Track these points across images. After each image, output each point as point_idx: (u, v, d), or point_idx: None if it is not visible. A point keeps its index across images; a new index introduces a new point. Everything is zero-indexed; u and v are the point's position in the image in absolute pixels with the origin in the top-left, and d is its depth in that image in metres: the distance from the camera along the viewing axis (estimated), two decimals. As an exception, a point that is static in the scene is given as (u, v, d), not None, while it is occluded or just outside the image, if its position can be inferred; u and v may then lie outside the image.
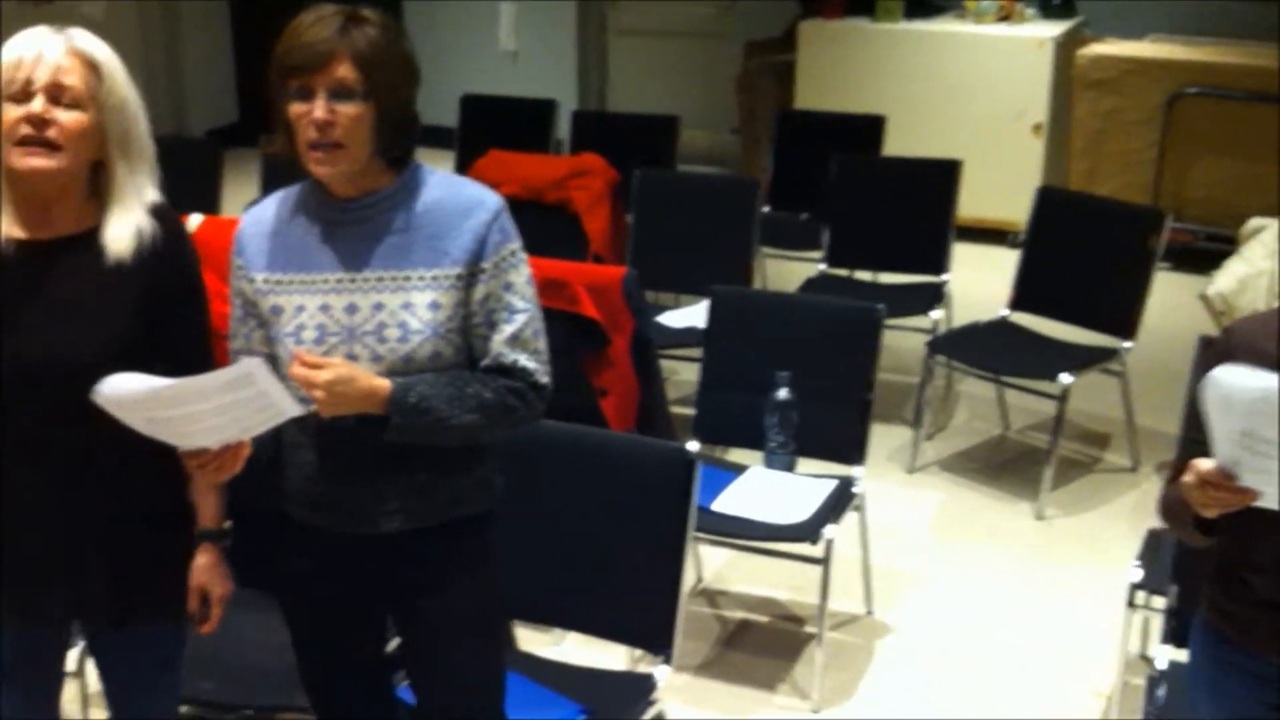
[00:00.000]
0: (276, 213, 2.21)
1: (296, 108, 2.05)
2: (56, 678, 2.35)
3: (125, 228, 2.13)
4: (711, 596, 3.86)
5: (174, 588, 2.26)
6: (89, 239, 2.13)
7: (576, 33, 8.67)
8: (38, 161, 2.05)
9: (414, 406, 2.07)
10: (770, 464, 3.64)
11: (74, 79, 2.05)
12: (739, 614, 3.80)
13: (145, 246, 2.15)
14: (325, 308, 2.13)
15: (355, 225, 2.15)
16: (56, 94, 2.05)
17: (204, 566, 2.27)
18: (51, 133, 2.04)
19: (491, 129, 6.04)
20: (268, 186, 5.59)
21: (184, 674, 2.64)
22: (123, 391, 1.93)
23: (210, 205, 5.28)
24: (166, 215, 2.21)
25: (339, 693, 2.38)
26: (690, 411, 3.84)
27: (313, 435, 2.16)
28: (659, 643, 2.69)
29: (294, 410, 1.98)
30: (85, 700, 2.95)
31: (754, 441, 3.68)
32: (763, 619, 3.78)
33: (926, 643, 3.66)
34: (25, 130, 2.03)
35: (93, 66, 2.07)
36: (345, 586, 2.25)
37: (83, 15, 7.98)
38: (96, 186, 2.13)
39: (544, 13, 8.61)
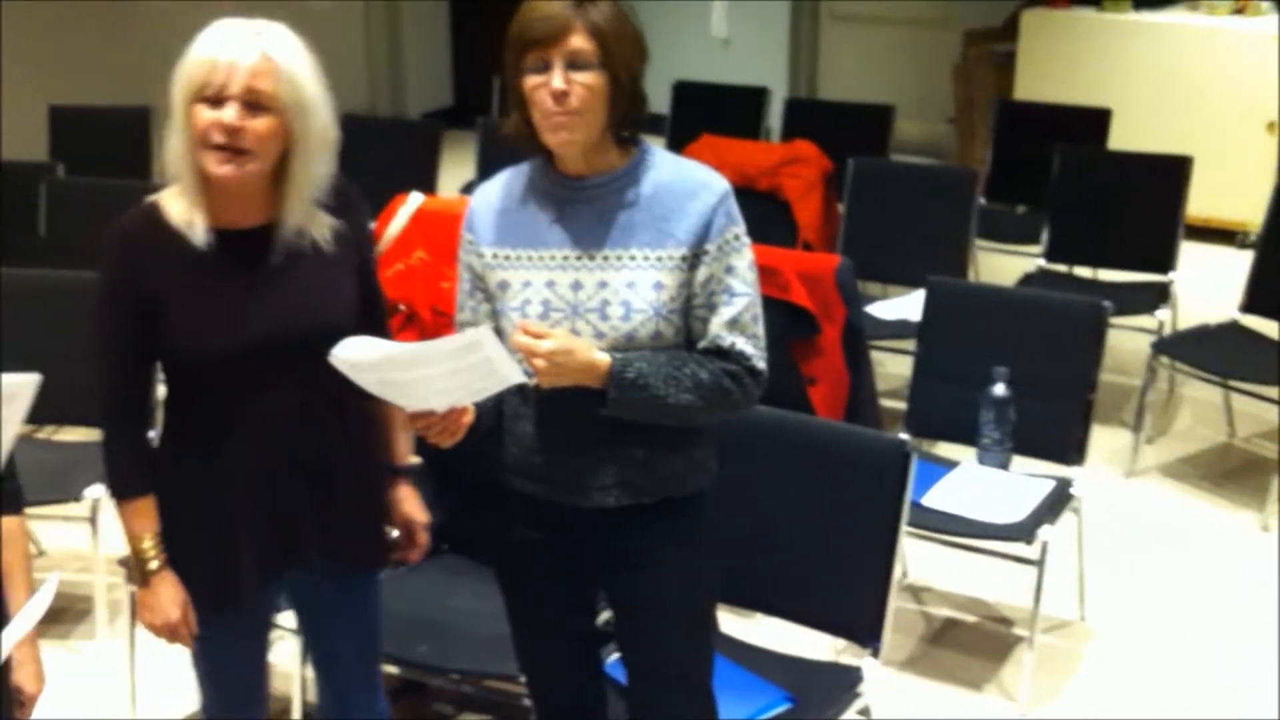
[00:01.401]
0: (507, 190, 2.24)
1: (533, 80, 2.07)
2: (265, 656, 2.44)
3: (302, 218, 2.20)
4: (916, 592, 3.79)
5: (379, 539, 2.37)
6: (274, 228, 2.20)
7: (789, 19, 8.61)
8: (230, 169, 2.10)
9: (632, 382, 2.08)
10: (984, 460, 3.55)
11: (266, 83, 2.08)
12: (945, 611, 3.72)
13: (328, 226, 2.23)
14: (551, 284, 2.15)
15: (584, 204, 2.16)
16: (249, 100, 2.07)
17: (406, 498, 2.38)
18: (243, 140, 2.08)
19: (703, 115, 6.05)
20: (483, 167, 5.72)
21: (399, 636, 2.73)
22: (358, 354, 1.99)
23: (428, 184, 5.40)
24: (344, 190, 2.28)
25: (549, 664, 2.40)
26: (896, 404, 3.77)
27: (533, 406, 2.19)
28: (867, 635, 2.65)
29: (517, 377, 2.00)
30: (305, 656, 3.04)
31: (967, 437, 3.60)
32: (970, 618, 3.70)
33: (1140, 652, 3.53)
34: (218, 138, 2.07)
35: (282, 70, 2.09)
36: (560, 559, 2.27)
37: (311, 2, 8.25)
38: (278, 178, 2.18)
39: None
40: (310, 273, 2.21)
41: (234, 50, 2.07)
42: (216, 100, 2.06)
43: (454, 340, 1.94)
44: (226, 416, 2.19)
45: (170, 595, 2.21)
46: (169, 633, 2.22)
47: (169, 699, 3.27)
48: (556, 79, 2.05)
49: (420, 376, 1.98)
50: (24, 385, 1.85)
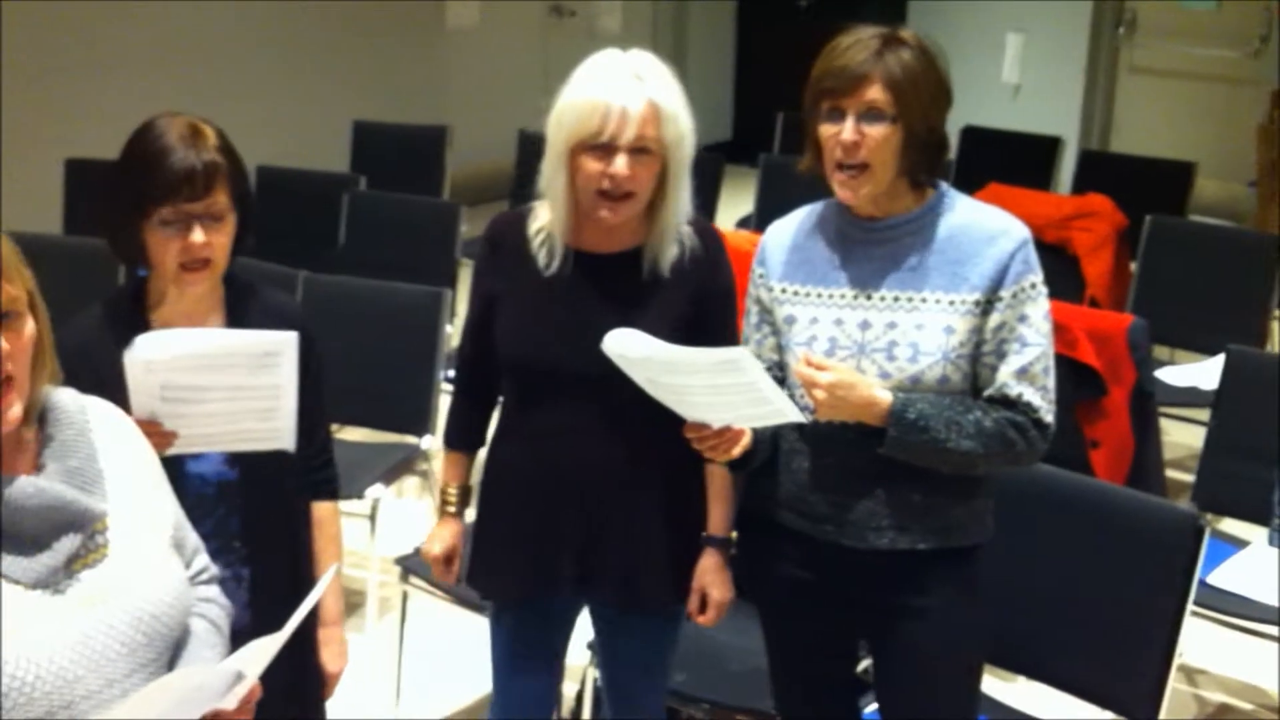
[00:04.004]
0: (801, 227, 2.25)
1: (826, 129, 2.09)
2: (558, 659, 2.49)
3: (668, 246, 2.24)
4: (1190, 673, 3.60)
5: (679, 582, 2.34)
6: (637, 255, 2.25)
7: (1085, 69, 8.36)
8: (615, 214, 2.17)
9: (912, 423, 2.04)
10: (1275, 542, 3.34)
11: (652, 130, 2.12)
12: (1220, 696, 3.52)
13: (685, 259, 2.25)
14: (839, 322, 2.13)
15: (877, 245, 2.15)
16: (637, 147, 2.12)
17: (708, 569, 2.34)
18: (624, 185, 2.14)
19: (990, 162, 5.90)
20: (763, 203, 5.72)
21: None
22: (624, 346, 2.02)
23: (706, 217, 5.42)
24: (701, 224, 2.31)
25: (807, 707, 2.38)
26: (1179, 475, 3.58)
27: (809, 441, 2.17)
28: (1142, 713, 2.52)
29: (793, 413, 1.99)
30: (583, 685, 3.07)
31: (1258, 515, 3.40)
32: (1245, 705, 3.49)
33: None
34: (606, 185, 2.13)
35: (667, 113, 2.14)
36: (827, 601, 2.24)
37: (601, 28, 8.44)
38: (648, 206, 2.22)
39: (1053, 46, 8.36)
40: (639, 308, 2.22)
41: (622, 97, 2.11)
42: (605, 150, 2.11)
43: (713, 353, 1.96)
44: (539, 427, 2.27)
45: (444, 536, 2.44)
46: (431, 562, 2.45)
47: (432, 696, 3.36)
48: (847, 130, 2.05)
49: (683, 384, 2.01)
50: (285, 342, 1.94)
